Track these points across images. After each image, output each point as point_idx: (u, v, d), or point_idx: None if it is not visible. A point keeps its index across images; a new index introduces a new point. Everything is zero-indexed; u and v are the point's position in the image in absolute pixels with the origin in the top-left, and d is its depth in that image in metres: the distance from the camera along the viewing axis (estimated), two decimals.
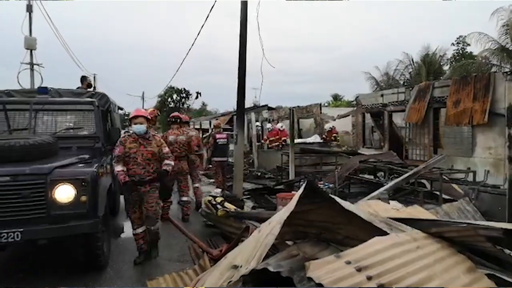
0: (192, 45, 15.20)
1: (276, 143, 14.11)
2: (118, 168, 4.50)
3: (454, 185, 7.43)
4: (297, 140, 14.34)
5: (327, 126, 16.11)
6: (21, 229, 3.55)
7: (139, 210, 4.72)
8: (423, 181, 7.94)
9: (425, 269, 2.52)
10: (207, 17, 9.48)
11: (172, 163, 4.82)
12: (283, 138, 14.30)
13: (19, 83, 11.90)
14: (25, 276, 4.17)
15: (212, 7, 8.98)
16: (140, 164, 4.56)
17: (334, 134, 15.07)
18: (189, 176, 7.44)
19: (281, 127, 14.89)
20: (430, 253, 2.71)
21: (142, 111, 4.87)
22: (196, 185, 7.68)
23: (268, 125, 17.00)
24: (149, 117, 4.79)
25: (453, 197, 6.77)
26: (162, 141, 4.88)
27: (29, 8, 13.80)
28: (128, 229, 6.14)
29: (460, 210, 4.69)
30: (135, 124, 4.61)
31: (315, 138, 14.69)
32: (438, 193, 6.77)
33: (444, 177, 7.29)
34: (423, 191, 6.84)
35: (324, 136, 15.32)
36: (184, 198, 6.98)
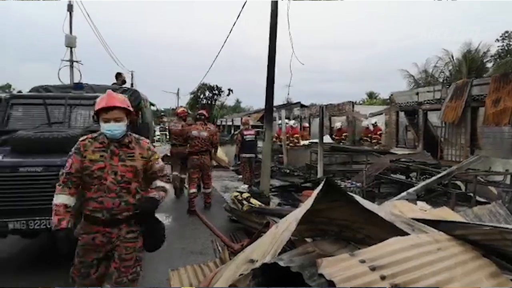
0: (225, 42, 15.38)
1: (287, 142, 13.71)
2: (58, 200, 2.68)
3: (491, 188, 7.10)
4: (305, 142, 14.19)
5: (336, 125, 15.84)
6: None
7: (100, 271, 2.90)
8: (458, 182, 7.65)
9: (445, 271, 2.44)
10: (239, 15, 9.58)
11: (167, 186, 3.04)
12: (295, 135, 14.10)
13: (59, 79, 12.51)
14: (50, 262, 4.39)
15: (244, 4, 9.07)
16: (111, 190, 2.69)
17: (345, 134, 14.79)
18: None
19: (294, 124, 14.66)
20: (452, 255, 2.62)
21: (118, 98, 2.81)
22: (207, 190, 7.50)
23: (291, 122, 16.72)
24: (130, 108, 2.84)
25: (488, 200, 6.48)
26: (152, 149, 3.00)
27: (70, 8, 14.47)
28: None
29: (491, 213, 4.48)
30: (106, 121, 2.72)
31: (327, 138, 14.41)
32: (472, 195, 6.49)
33: (480, 178, 6.99)
34: (456, 193, 6.58)
35: (334, 136, 15.07)
36: (207, 190, 7.49)
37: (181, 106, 23.38)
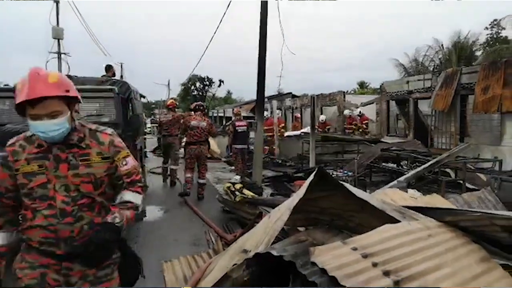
0: (215, 32, 15.11)
1: (271, 134, 13.47)
2: None
3: (480, 175, 7.21)
4: (287, 133, 14.15)
5: (321, 118, 15.80)
6: None
7: None
8: (448, 170, 7.74)
9: (435, 257, 2.47)
10: (228, 4, 9.48)
11: (139, 198, 2.08)
12: (281, 125, 14.00)
13: None
14: None
15: None
16: (66, 213, 1.83)
17: (328, 127, 14.77)
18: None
19: (278, 114, 14.49)
20: (442, 241, 2.66)
21: (48, 82, 1.79)
22: (202, 180, 7.54)
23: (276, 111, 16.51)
24: (71, 93, 1.91)
25: (478, 187, 6.57)
26: (117, 143, 2.02)
27: None
28: (149, 213, 6.34)
29: (480, 200, 4.54)
30: (34, 118, 1.83)
31: (307, 131, 14.37)
32: (462, 182, 6.58)
33: (469, 166, 7.08)
34: (446, 180, 6.66)
35: (317, 128, 15.04)
36: (201, 181, 7.50)
37: (171, 98, 23.39)
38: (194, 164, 7.50)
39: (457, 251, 2.64)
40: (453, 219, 2.90)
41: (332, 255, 2.30)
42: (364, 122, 14.84)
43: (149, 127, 25.12)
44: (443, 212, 3.11)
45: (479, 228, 2.79)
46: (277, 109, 18.55)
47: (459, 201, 4.48)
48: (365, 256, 2.32)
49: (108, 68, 8.37)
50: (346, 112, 15.90)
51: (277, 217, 2.91)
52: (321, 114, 18.73)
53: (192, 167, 7.53)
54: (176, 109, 10.23)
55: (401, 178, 6.17)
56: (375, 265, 2.27)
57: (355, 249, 2.38)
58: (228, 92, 56.81)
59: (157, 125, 33.62)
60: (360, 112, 15.14)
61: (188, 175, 7.49)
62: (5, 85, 6.61)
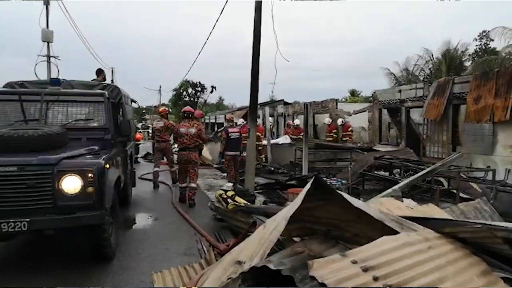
0: (208, 38, 15.19)
1: (261, 142, 13.33)
2: None
3: (473, 184, 7.19)
4: (272, 141, 13.97)
5: (295, 122, 15.60)
6: (28, 219, 3.56)
7: None
8: (441, 179, 7.72)
9: (436, 270, 2.40)
10: (221, 11, 9.44)
11: None
12: (260, 133, 13.84)
13: (36, 75, 12.06)
14: (35, 265, 4.20)
15: (227, 1, 8.93)
16: None
17: (302, 133, 14.63)
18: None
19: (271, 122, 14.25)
20: (442, 254, 2.59)
21: None
22: (192, 185, 7.49)
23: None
24: None
25: (471, 196, 6.55)
26: None
27: (46, 1, 13.99)
28: (139, 221, 6.18)
29: (477, 210, 4.50)
30: None
31: (285, 139, 14.14)
32: (455, 191, 6.55)
33: (462, 175, 7.06)
34: (439, 189, 6.63)
35: (289, 134, 14.87)
36: (192, 185, 7.45)
37: (162, 105, 23.28)
38: (186, 171, 7.50)
39: (458, 264, 2.57)
40: (452, 230, 2.84)
41: (331, 269, 2.21)
42: (348, 130, 14.77)
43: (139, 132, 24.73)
44: (442, 223, 3.05)
45: (479, 239, 2.73)
46: (270, 116, 18.50)
47: (455, 211, 4.43)
48: (365, 270, 2.24)
49: (99, 72, 8.24)
50: (326, 120, 15.81)
51: (273, 227, 2.81)
52: (313, 121, 18.73)
53: (185, 175, 7.55)
54: (169, 116, 10.57)
55: (396, 187, 6.11)
56: (376, 279, 2.18)
57: (354, 262, 2.29)
58: (220, 98, 56.77)
59: (148, 130, 33.42)
60: (342, 121, 15.04)
61: (183, 185, 7.59)
62: None
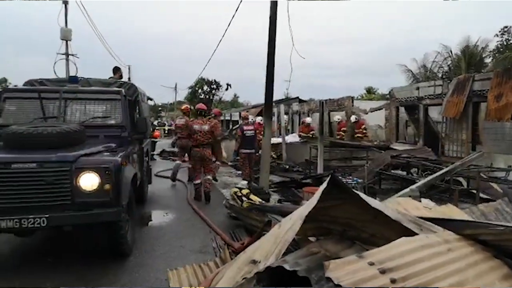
0: (223, 36, 15.05)
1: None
2: None
3: (494, 184, 7.01)
4: (274, 140, 13.80)
5: (306, 120, 15.38)
6: (47, 215, 3.62)
7: None
8: (460, 179, 7.55)
9: (456, 273, 2.34)
10: (237, 8, 9.42)
11: None
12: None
13: (55, 73, 12.30)
14: (54, 260, 4.28)
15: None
16: None
17: (312, 131, 14.41)
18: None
19: (261, 120, 14.09)
20: (463, 256, 2.52)
21: None
22: (208, 176, 7.73)
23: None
24: None
25: (491, 197, 6.39)
26: None
27: (65, 0, 14.22)
28: (155, 218, 6.24)
29: (498, 211, 4.38)
30: None
31: (294, 137, 14.00)
32: (475, 191, 6.40)
33: (482, 175, 6.89)
34: (458, 189, 6.48)
35: (299, 132, 14.66)
36: (208, 176, 7.63)
37: (184, 103, 23.75)
38: (201, 166, 7.66)
39: (478, 267, 2.50)
40: (473, 232, 2.76)
41: (348, 270, 2.17)
42: (361, 127, 14.54)
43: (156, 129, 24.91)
44: (462, 224, 2.97)
45: (501, 242, 2.65)
46: (284, 113, 18.41)
47: (475, 212, 4.32)
48: (383, 272, 2.19)
49: (116, 70, 8.33)
50: (336, 117, 15.65)
51: (288, 227, 2.79)
52: (329, 119, 18.57)
53: (199, 171, 7.69)
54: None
55: (413, 187, 6.00)
56: (394, 281, 2.14)
57: (372, 263, 2.25)
58: (235, 95, 56.85)
59: (164, 128, 33.70)
60: (355, 118, 14.84)
61: (197, 181, 7.65)
62: (14, 85, 6.59)
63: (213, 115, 10.27)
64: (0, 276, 3.88)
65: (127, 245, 4.31)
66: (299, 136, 14.23)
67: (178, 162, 10.08)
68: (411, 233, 2.72)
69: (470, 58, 23.33)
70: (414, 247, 2.45)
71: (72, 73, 14.11)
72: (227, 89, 35.00)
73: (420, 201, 4.86)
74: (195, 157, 7.65)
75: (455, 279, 2.29)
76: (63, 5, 14.19)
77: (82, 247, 4.83)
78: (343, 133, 14.74)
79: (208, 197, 7.46)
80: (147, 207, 6.99)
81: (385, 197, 6.22)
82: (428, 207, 4.29)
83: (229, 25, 10.83)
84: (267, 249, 2.71)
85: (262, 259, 2.59)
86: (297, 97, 25.09)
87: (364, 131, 14.42)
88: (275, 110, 19.93)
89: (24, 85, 5.83)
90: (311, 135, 14.00)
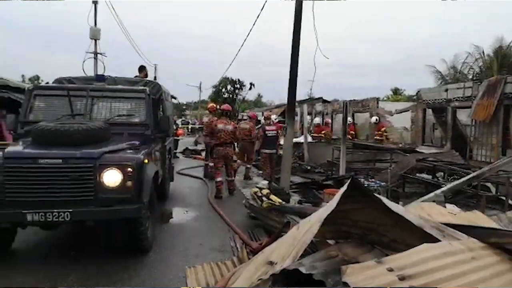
0: (248, 35, 15.21)
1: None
2: None
3: None
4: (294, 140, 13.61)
5: (315, 121, 15.19)
6: (70, 210, 3.72)
7: None
8: (488, 184, 7.29)
9: (480, 283, 2.26)
10: (262, 7, 9.40)
11: None
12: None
13: (83, 71, 12.67)
14: (77, 254, 4.40)
15: None
16: None
17: (324, 131, 14.16)
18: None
19: (275, 119, 13.91)
20: (487, 265, 2.43)
21: None
22: (230, 178, 8.14)
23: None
24: None
25: None
26: None
27: (95, 1, 14.61)
28: (175, 215, 6.32)
29: None
30: None
31: (303, 138, 13.83)
32: (504, 198, 6.16)
33: None
34: (486, 196, 6.26)
35: (312, 132, 14.43)
36: (229, 178, 8.10)
37: (208, 102, 24.18)
38: (223, 164, 7.93)
39: (504, 277, 2.41)
40: (499, 241, 2.66)
41: (365, 276, 2.13)
42: (381, 129, 14.29)
43: (180, 128, 25.23)
44: (488, 232, 2.86)
45: None
46: (308, 114, 18.27)
47: (503, 219, 4.16)
48: (402, 279, 2.14)
49: (141, 69, 8.48)
50: (373, 119, 15.42)
51: (306, 229, 2.76)
52: (353, 120, 18.32)
53: (221, 169, 7.96)
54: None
55: (438, 191, 5.83)
56: None
57: (391, 269, 2.20)
58: (259, 95, 56.91)
59: (187, 126, 34.08)
60: (376, 119, 14.60)
61: (219, 179, 7.81)
62: (46, 83, 6.82)
63: (244, 117, 10.61)
64: (27, 267, 4.02)
65: (147, 241, 4.38)
66: (311, 136, 14.16)
67: (205, 163, 10.41)
68: (434, 240, 2.65)
69: (503, 59, 22.43)
70: (436, 254, 2.38)
71: (100, 72, 14.49)
72: (250, 88, 35.01)
73: (445, 207, 4.73)
74: (218, 156, 7.85)
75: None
76: (93, 5, 14.61)
77: (104, 242, 4.94)
78: (323, 136, 14.49)
79: (232, 192, 8.05)
80: (168, 204, 7.09)
81: (408, 201, 6.07)
82: (452, 213, 4.15)
83: (254, 24, 10.90)
84: (284, 251, 2.69)
85: (279, 260, 2.58)
86: (321, 98, 24.87)
87: (385, 133, 14.22)
88: (298, 110, 19.82)
89: (53, 82, 6.01)
90: (323, 135, 13.94)
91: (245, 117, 12.12)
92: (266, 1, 8.94)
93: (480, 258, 2.50)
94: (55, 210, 3.68)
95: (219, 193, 7.75)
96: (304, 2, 7.70)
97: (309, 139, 13.63)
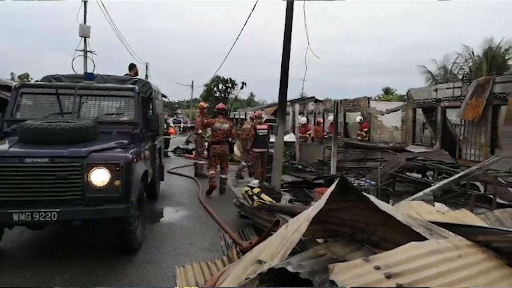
0: (239, 35, 15.18)
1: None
2: None
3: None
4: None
5: (301, 120, 15.32)
6: (58, 210, 3.67)
7: None
8: (477, 183, 7.37)
9: (466, 281, 2.27)
10: (254, 6, 9.39)
11: None
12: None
13: (73, 69, 12.50)
14: (64, 255, 4.34)
15: None
16: None
17: (309, 131, 14.33)
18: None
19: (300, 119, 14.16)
20: (474, 263, 2.45)
21: None
22: (223, 176, 8.35)
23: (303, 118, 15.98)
24: None
25: (509, 202, 6.22)
26: None
27: None
28: (165, 215, 6.27)
29: None
30: None
31: (290, 137, 13.81)
32: (492, 196, 6.23)
33: (500, 180, 6.70)
34: (475, 194, 6.32)
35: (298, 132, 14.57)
36: (223, 176, 8.30)
37: (199, 101, 24.39)
38: (218, 162, 8.19)
39: (490, 275, 2.43)
40: (486, 239, 2.68)
41: (352, 274, 2.13)
42: (363, 129, 14.52)
43: (171, 127, 25.05)
44: (475, 230, 2.88)
45: None
46: (300, 113, 18.30)
47: (491, 218, 4.20)
48: (388, 277, 2.14)
49: (131, 67, 8.42)
50: (358, 118, 15.52)
51: (295, 228, 2.75)
52: (344, 119, 18.38)
53: (216, 165, 8.23)
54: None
55: (427, 190, 5.88)
56: (399, 287, 2.08)
57: (378, 268, 2.20)
58: (251, 94, 56.89)
59: (179, 125, 33.88)
60: (360, 119, 14.81)
61: (212, 172, 8.06)
62: (36, 81, 6.72)
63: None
64: (14, 267, 3.96)
65: (136, 241, 4.34)
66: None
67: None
68: (422, 238, 2.66)
69: (492, 60, 22.71)
70: (422, 252, 2.39)
71: (90, 70, 14.33)
72: (242, 87, 34.85)
73: (434, 205, 4.76)
74: (214, 153, 8.13)
75: (465, 286, 2.22)
76: (82, 3, 14.46)
77: (92, 242, 4.88)
78: (307, 136, 14.65)
79: (223, 191, 8.22)
80: (158, 203, 7.05)
81: (398, 200, 6.11)
82: (441, 212, 4.19)
83: (245, 23, 10.88)
84: (273, 250, 2.68)
85: (268, 259, 2.57)
86: (313, 97, 24.95)
87: (365, 134, 14.37)
88: (290, 109, 19.83)
89: (41, 80, 5.93)
90: (307, 135, 14.02)
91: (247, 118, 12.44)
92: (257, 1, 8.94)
93: (466, 256, 2.52)
94: (42, 210, 3.63)
95: (212, 187, 7.93)
96: (295, 2, 7.71)
97: (293, 138, 13.69)
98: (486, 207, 6.14)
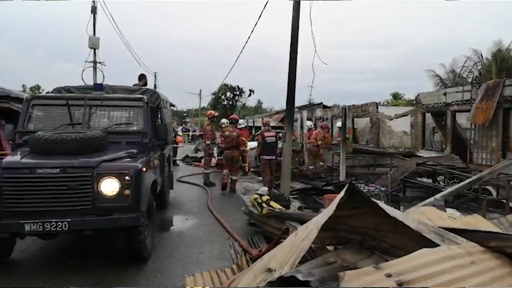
0: (246, 42, 15.26)
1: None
2: None
3: None
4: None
5: (307, 124, 15.00)
6: (69, 219, 3.71)
7: None
8: (489, 188, 7.26)
9: (480, 287, 2.23)
10: (260, 14, 9.48)
11: None
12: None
13: (83, 80, 12.68)
14: (75, 264, 4.37)
15: (266, 4, 8.93)
16: None
17: (314, 137, 14.05)
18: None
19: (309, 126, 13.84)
20: (487, 270, 2.41)
21: None
22: (234, 177, 9.53)
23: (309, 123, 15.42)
24: None
25: None
26: None
27: (94, 10, 14.72)
28: (175, 223, 6.28)
29: None
30: None
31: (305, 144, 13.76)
32: (504, 201, 6.13)
33: None
34: (487, 199, 6.23)
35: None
36: (233, 177, 9.46)
37: (208, 109, 24.76)
38: (229, 165, 9.45)
39: (504, 281, 2.39)
40: (499, 245, 2.64)
41: (363, 282, 2.11)
42: (350, 134, 14.46)
43: (180, 135, 25.18)
44: (488, 236, 2.84)
45: None
46: (308, 119, 18.27)
47: (504, 223, 4.12)
48: (400, 284, 2.12)
49: (141, 77, 8.50)
50: (309, 123, 15.11)
51: (304, 235, 2.74)
52: (353, 125, 18.30)
53: (228, 166, 9.48)
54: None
55: (438, 196, 5.80)
56: None
57: (389, 275, 2.18)
58: (259, 101, 56.99)
59: (188, 133, 34.10)
60: (310, 125, 14.48)
61: (225, 171, 9.52)
62: (47, 92, 6.84)
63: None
64: (27, 276, 4.01)
65: (146, 250, 4.36)
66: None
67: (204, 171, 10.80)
68: (433, 244, 2.63)
69: (501, 62, 22.45)
70: (434, 259, 2.36)
71: (99, 81, 14.51)
72: (250, 95, 35.16)
73: (445, 211, 4.71)
74: (226, 158, 9.47)
75: None
76: (92, 15, 14.68)
77: (103, 251, 4.91)
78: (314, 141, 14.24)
79: (232, 190, 9.33)
80: (168, 212, 7.07)
81: (409, 206, 6.06)
82: (453, 217, 4.13)
83: (252, 31, 10.95)
84: (283, 258, 2.67)
85: (277, 267, 2.56)
86: (321, 103, 24.93)
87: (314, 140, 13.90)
88: (298, 116, 19.81)
89: (51, 92, 6.03)
90: (314, 140, 13.86)
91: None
92: (266, 4, 8.99)
93: (479, 262, 2.48)
94: (53, 220, 3.67)
95: (224, 184, 9.30)
96: (302, 7, 7.75)
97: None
98: (499, 212, 6.05)
